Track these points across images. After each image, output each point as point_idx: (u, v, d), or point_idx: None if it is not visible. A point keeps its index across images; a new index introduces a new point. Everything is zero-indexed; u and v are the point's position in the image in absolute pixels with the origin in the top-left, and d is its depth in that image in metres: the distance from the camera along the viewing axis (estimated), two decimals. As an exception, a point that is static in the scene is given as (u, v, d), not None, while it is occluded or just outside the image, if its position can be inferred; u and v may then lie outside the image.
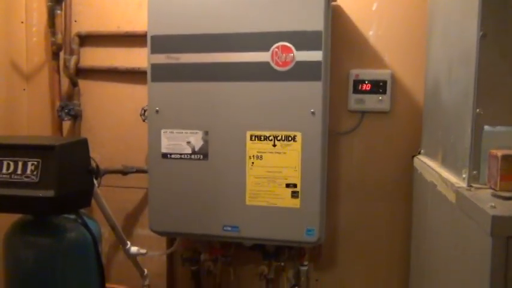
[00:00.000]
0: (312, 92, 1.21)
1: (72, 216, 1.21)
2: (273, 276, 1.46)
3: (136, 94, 1.58)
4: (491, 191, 0.77)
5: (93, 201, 1.37)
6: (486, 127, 0.80)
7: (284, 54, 1.21)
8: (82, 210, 1.23)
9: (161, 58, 1.29)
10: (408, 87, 1.44)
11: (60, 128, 1.64)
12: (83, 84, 1.64)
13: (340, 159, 1.48)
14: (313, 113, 1.21)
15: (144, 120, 1.44)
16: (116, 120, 1.64)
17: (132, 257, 1.51)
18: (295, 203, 1.25)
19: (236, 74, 1.24)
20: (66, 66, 1.60)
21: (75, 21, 1.62)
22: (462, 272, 0.79)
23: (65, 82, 1.65)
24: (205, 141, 1.28)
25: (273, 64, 1.22)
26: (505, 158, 0.74)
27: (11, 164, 1.11)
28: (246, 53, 1.23)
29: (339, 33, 1.44)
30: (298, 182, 1.24)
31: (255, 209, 1.27)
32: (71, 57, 1.60)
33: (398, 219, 1.45)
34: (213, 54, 1.25)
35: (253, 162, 1.26)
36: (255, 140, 1.25)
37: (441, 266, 0.96)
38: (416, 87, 1.42)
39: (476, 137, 0.80)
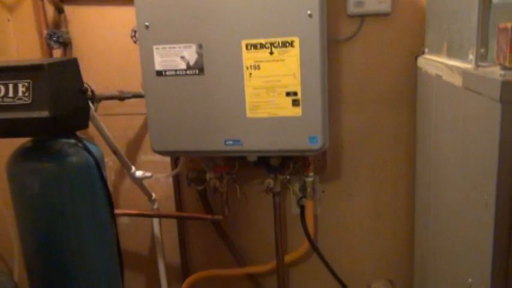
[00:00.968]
0: (308, -9, 1.14)
1: (72, 141, 1.20)
2: (279, 190, 1.46)
3: (126, 16, 1.51)
4: (500, 66, 0.73)
5: (93, 130, 1.36)
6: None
7: (276, -48, 1.13)
8: (82, 136, 1.22)
9: (146, -32, 1.21)
10: (410, -16, 1.36)
11: (50, 57, 1.59)
12: (69, 10, 1.57)
13: (341, 67, 1.43)
14: (310, 15, 1.15)
15: (135, 42, 1.39)
16: (107, 46, 1.58)
17: (139, 182, 1.52)
18: (297, 111, 1.22)
19: (226, -22, 1.16)
20: (48, -9, 1.52)
21: None
22: (471, 152, 0.77)
23: (50, 10, 1.58)
24: (200, 55, 1.23)
25: (264, -36, 1.14)
26: (515, 28, 0.69)
27: (2, 87, 1.08)
28: (235, -46, 1.15)
29: None
30: (298, 89, 1.21)
31: (256, 121, 1.24)
32: (52, -19, 1.52)
33: (403, 126, 1.43)
34: (200, -42, 1.17)
35: (250, 73, 1.22)
36: (251, 49, 1.20)
37: (448, 159, 0.95)
38: (418, -17, 1.34)
39: (484, 10, 0.75)
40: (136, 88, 1.54)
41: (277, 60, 1.20)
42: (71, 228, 1.17)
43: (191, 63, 1.25)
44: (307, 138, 1.23)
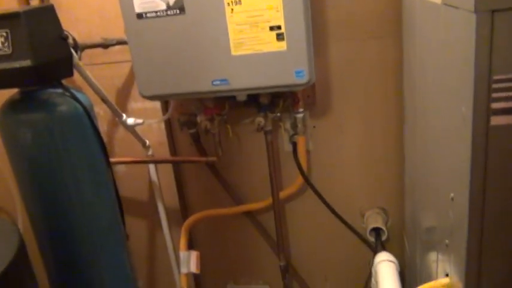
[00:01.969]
0: None
1: (59, 91, 1.19)
2: (270, 128, 1.48)
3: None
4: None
5: (80, 81, 1.35)
6: None
7: None
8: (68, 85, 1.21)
9: None
10: None
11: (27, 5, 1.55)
12: (42, -44, 1.51)
13: (324, -3, 1.40)
14: None
15: (113, -15, 1.35)
16: (86, -7, 1.53)
17: (131, 129, 1.53)
18: (281, 45, 1.21)
19: None
20: None
21: None
22: (450, 68, 0.78)
23: (22, -43, 1.52)
24: (179, -7, 1.20)
25: None
26: None
27: (-21, 39, 1.06)
28: None
29: None
30: (281, 23, 1.19)
31: (242, 58, 1.23)
32: None
33: (391, 55, 1.41)
34: None
35: (232, 9, 1.20)
36: (231, -17, 1.17)
37: (431, 79, 0.95)
38: None
39: None
40: (120, 34, 1.51)
41: (259, -6, 1.17)
42: (68, 176, 1.20)
43: (171, 2, 1.22)
44: (294, 73, 1.22)
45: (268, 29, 1.20)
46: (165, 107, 1.58)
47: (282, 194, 1.59)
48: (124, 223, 1.35)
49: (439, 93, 0.87)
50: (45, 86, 1.16)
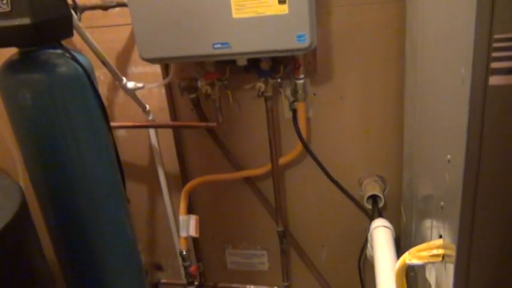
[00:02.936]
0: None
1: (59, 51, 1.19)
2: (271, 94, 1.48)
3: None
4: None
5: (80, 44, 1.34)
6: None
7: None
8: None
9: None
10: None
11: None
12: None
13: (328, -40, 1.38)
14: None
15: None
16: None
17: (131, 93, 1.53)
18: (283, 8, 1.19)
19: None
20: None
21: None
22: (450, 32, 0.77)
23: None
24: (180, -47, 1.18)
25: None
26: None
27: (-22, -4, 1.05)
28: None
29: None
30: (284, -15, 1.17)
31: (243, 21, 1.22)
32: None
33: (393, 21, 1.40)
34: None
35: (234, -30, 1.18)
36: None
37: (432, 41, 0.95)
38: None
39: None
40: (120, -4, 1.49)
41: (261, -46, 1.15)
42: (69, 138, 1.20)
43: (172, -37, 1.20)
44: (295, 37, 1.21)
45: (270, -9, 1.18)
46: (165, 72, 1.58)
47: (281, 161, 1.61)
48: (125, 187, 1.37)
49: (440, 56, 0.87)
50: (44, 46, 1.16)
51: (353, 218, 1.68)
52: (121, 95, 1.65)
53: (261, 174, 1.66)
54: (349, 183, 1.63)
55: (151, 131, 1.65)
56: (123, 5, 1.45)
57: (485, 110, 0.65)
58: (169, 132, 1.68)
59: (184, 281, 1.82)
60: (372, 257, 1.39)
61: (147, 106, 1.62)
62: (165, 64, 1.55)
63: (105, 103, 1.55)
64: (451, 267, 0.79)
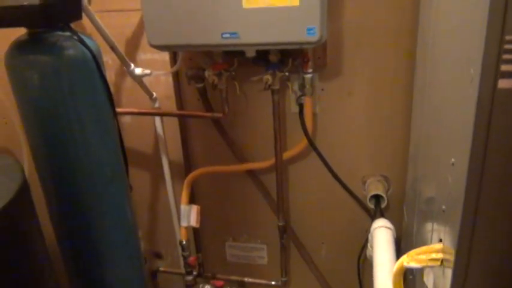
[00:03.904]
0: None
1: (68, 34, 1.18)
2: (278, 87, 1.46)
3: None
4: None
5: (89, 28, 1.33)
6: None
7: None
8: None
9: None
10: None
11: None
12: None
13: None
14: None
15: None
16: None
17: (138, 79, 1.53)
18: (294, 1, 1.17)
19: None
20: None
21: None
22: (462, 31, 0.75)
23: None
24: None
25: None
26: None
27: (-11, -26, 1.05)
28: None
29: None
30: (296, -23, 1.15)
31: (253, 12, 1.21)
32: None
33: (406, 20, 1.37)
34: None
35: (246, -41, 1.16)
36: None
37: (443, 39, 0.93)
38: None
39: None
40: (131, -19, 1.48)
41: None
42: (74, 121, 1.20)
43: (184, -51, 1.19)
44: (305, 30, 1.20)
45: (281, -18, 1.17)
46: (173, 60, 1.57)
47: (286, 155, 1.59)
48: (128, 173, 1.37)
49: (450, 55, 0.85)
50: (53, 28, 1.15)
51: (355, 217, 1.67)
52: (128, 81, 1.65)
53: (265, 168, 1.65)
54: (352, 181, 1.61)
55: (157, 119, 1.65)
56: (134, -10, 1.44)
57: (493, 114, 0.63)
58: (174, 121, 1.68)
59: (183, 270, 1.82)
60: (372, 257, 1.38)
61: (154, 93, 1.61)
62: (174, 52, 1.54)
63: (112, 88, 1.56)
64: (449, 272, 0.77)
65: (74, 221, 1.30)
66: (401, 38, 1.40)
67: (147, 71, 1.49)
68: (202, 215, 1.68)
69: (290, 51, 1.39)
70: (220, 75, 1.45)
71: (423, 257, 0.84)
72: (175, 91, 1.62)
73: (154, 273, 2.01)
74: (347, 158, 1.59)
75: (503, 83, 0.62)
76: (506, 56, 0.61)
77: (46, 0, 1.03)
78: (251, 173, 1.70)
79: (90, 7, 1.29)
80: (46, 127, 1.21)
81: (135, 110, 1.63)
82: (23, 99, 1.21)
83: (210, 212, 1.81)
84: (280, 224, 1.69)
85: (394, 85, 1.46)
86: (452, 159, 0.79)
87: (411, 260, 0.85)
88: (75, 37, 1.17)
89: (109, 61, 1.61)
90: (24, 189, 1.00)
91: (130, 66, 1.47)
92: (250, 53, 1.35)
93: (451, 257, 0.76)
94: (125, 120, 1.73)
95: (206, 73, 1.46)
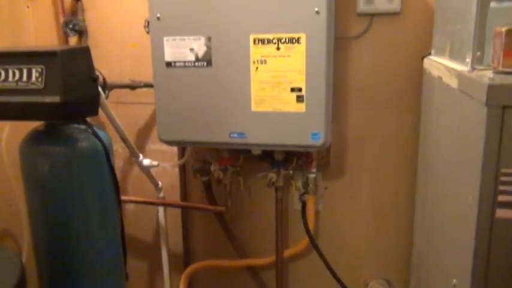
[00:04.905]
0: (316, -12, 1.15)
1: (83, 127, 1.24)
2: (282, 184, 1.48)
3: (141, 6, 1.53)
4: (494, 70, 0.73)
5: (104, 116, 1.40)
6: (492, 3, 0.75)
7: (286, -51, 1.14)
8: (92, 122, 1.26)
9: (159, -39, 1.24)
10: (420, -15, 1.36)
11: (66, 44, 1.64)
12: (86, -1, 1.62)
13: (348, 64, 1.44)
14: (317, 12, 1.16)
15: (148, 32, 1.42)
16: (122, 35, 1.62)
17: (146, 170, 1.56)
18: (301, 107, 1.24)
19: (237, -27, 1.19)
20: (67, -20, 1.57)
21: None
22: (462, 153, 0.78)
23: (68, -2, 1.63)
24: (208, 47, 1.26)
25: (274, -39, 1.16)
26: (510, 32, 0.70)
27: (16, 72, 1.12)
28: (246, -50, 1.17)
29: None
30: (303, 85, 1.22)
31: (261, 115, 1.26)
32: (71, -30, 1.56)
33: (408, 126, 1.43)
34: (212, -47, 1.19)
35: (257, 67, 1.24)
36: (258, 43, 1.22)
37: (443, 161, 0.96)
38: (429, -15, 1.34)
39: (482, 15, 0.76)
40: (149, 77, 1.56)
41: (284, 56, 1.22)
42: (77, 209, 1.21)
43: (200, 55, 1.27)
44: (310, 135, 1.24)
45: (289, 89, 1.23)
46: (181, 151, 1.61)
47: (287, 253, 1.57)
48: (125, 262, 1.35)
49: (449, 175, 0.87)
50: (69, 121, 1.21)
51: (356, 321, 1.60)
52: (136, 169, 1.68)
53: (265, 265, 1.62)
54: (354, 283, 1.57)
55: (160, 209, 1.65)
56: (150, 86, 1.51)
57: (492, 243, 0.64)
58: (177, 211, 1.68)
59: None
60: None
61: (160, 183, 1.64)
62: (182, 145, 1.59)
63: (120, 175, 1.59)
64: None
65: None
66: (404, 145, 1.44)
67: (155, 163, 1.52)
68: (199, 310, 1.62)
69: (295, 151, 1.43)
70: (226, 170, 1.49)
71: None
72: (180, 182, 1.65)
73: None
74: (349, 259, 1.56)
75: (501, 213, 0.64)
76: (502, 188, 0.63)
77: (67, 99, 1.09)
78: (251, 268, 1.66)
79: (106, 101, 1.36)
80: (50, 216, 1.22)
81: (140, 199, 1.65)
82: (32, 186, 1.23)
83: (207, 307, 1.75)
84: (279, 324, 1.62)
85: (397, 189, 1.48)
86: (454, 281, 0.78)
87: None
88: (90, 130, 1.22)
89: (119, 149, 1.65)
90: (21, 284, 0.99)
91: (139, 157, 1.51)
92: (256, 152, 1.39)
93: None
94: (129, 207, 1.74)
95: (212, 167, 1.50)
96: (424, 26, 1.34)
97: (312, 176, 1.46)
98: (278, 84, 1.24)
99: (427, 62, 1.24)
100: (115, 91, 1.56)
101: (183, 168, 1.65)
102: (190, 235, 1.70)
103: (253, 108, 1.27)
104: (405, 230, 1.48)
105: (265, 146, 1.32)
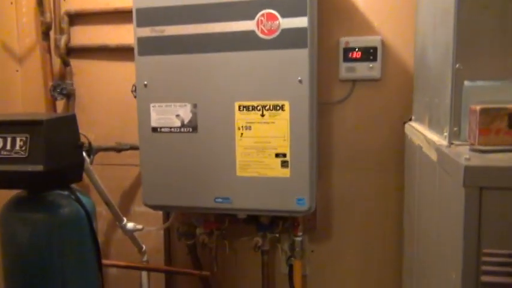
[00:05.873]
0: (299, 59, 1.19)
1: (66, 193, 1.22)
2: (268, 248, 1.46)
3: (129, 71, 1.57)
4: (470, 147, 0.76)
5: (88, 180, 1.39)
6: (466, 82, 0.79)
7: (269, 22, 1.19)
8: (76, 187, 1.25)
9: (147, 31, 1.28)
10: (399, 54, 1.41)
11: (54, 108, 1.65)
12: (75, 63, 1.65)
13: (332, 128, 1.47)
14: (300, 81, 1.20)
15: (135, 97, 1.44)
16: (109, 99, 1.64)
17: (130, 233, 1.53)
18: (285, 172, 1.24)
19: (222, 44, 1.23)
20: (56, 46, 1.60)
21: (64, -1, 1.62)
22: (443, 229, 0.79)
23: (58, 62, 1.65)
24: (194, 114, 1.28)
25: (258, 33, 1.21)
26: (483, 111, 0.73)
27: (0, 140, 1.12)
28: (231, 23, 1.21)
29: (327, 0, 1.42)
30: (287, 151, 1.24)
31: (246, 180, 1.27)
32: (61, 36, 1.60)
33: (392, 189, 1.44)
34: (198, 26, 1.23)
35: (242, 133, 1.26)
36: (243, 110, 1.25)
37: (427, 226, 0.96)
38: (407, 53, 1.40)
39: (457, 92, 0.79)
40: (135, 139, 1.57)
41: (268, 123, 1.24)
42: (57, 277, 1.17)
43: (186, 121, 1.29)
44: (295, 200, 1.24)
45: (274, 155, 1.25)
46: (166, 214, 1.59)
47: (274, 319, 1.53)
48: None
49: (434, 249, 0.87)
50: (53, 188, 1.20)
51: None
52: (119, 232, 1.64)
53: (252, 332, 1.57)
54: None
55: (144, 273, 1.61)
56: (136, 148, 1.52)
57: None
58: (161, 275, 1.64)
59: None
60: None
61: (144, 246, 1.60)
62: (167, 207, 1.57)
63: (102, 239, 1.55)
64: None
65: None
66: (389, 208, 1.45)
67: (139, 226, 1.50)
68: None
69: (280, 215, 1.42)
70: (211, 233, 1.47)
71: None
72: (165, 245, 1.62)
73: None
74: (338, 324, 1.52)
75: (485, 291, 0.63)
76: (485, 268, 0.63)
77: (50, 167, 1.09)
78: (237, 336, 1.60)
79: (91, 166, 1.36)
80: (27, 281, 1.18)
81: (123, 263, 1.60)
82: (9, 252, 1.20)
83: None
84: None
85: (383, 253, 1.47)
86: None
87: None
88: (73, 196, 1.21)
89: (103, 212, 1.63)
90: None
91: (122, 221, 1.48)
92: (242, 216, 1.38)
93: None
94: (111, 271, 1.68)
95: (197, 231, 1.48)
96: (405, 91, 1.39)
97: (299, 239, 1.45)
98: (263, 149, 1.25)
99: (408, 128, 1.27)
100: (101, 152, 1.56)
101: (167, 231, 1.62)
102: (174, 301, 1.65)
103: (238, 173, 1.27)
104: (394, 293, 1.46)
105: (250, 211, 1.31)
